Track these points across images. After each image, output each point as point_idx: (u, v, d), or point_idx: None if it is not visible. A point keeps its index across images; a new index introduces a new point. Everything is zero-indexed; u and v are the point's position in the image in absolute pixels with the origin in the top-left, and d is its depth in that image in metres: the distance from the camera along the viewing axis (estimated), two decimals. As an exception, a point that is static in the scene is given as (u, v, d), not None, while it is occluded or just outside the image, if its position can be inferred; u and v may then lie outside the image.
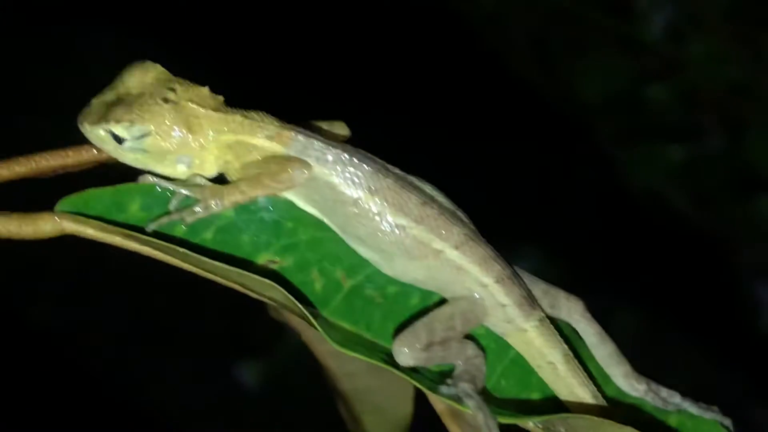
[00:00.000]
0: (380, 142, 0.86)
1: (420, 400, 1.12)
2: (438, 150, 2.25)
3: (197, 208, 0.77)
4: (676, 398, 0.88)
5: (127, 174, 0.80)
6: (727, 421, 0.89)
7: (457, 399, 0.79)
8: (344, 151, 0.80)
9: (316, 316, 0.78)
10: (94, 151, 0.80)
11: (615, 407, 0.86)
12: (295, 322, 1.03)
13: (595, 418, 0.78)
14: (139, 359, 2.24)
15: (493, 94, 2.50)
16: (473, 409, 0.78)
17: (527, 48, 2.63)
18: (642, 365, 0.90)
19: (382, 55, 2.42)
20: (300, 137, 0.79)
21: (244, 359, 2.31)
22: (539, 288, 0.86)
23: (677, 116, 2.62)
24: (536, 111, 2.56)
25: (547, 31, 2.66)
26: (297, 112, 0.83)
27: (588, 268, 2.36)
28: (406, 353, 0.78)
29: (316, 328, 0.75)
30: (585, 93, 2.62)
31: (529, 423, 0.81)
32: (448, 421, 0.86)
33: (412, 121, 2.33)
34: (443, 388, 0.79)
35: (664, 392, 0.88)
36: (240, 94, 0.82)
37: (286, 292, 0.74)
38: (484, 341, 0.85)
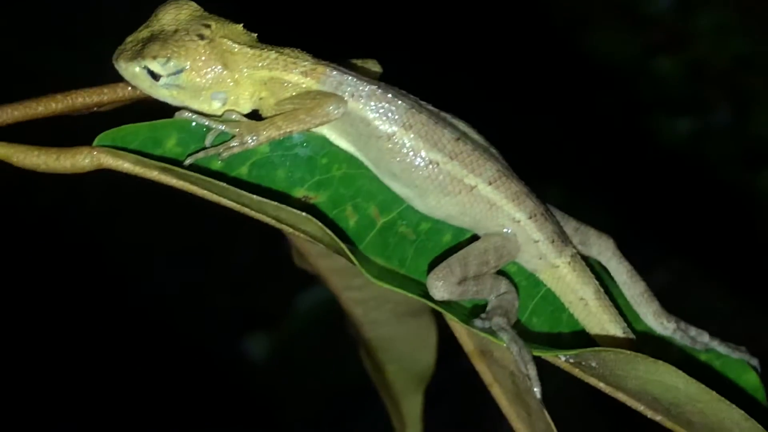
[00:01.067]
0: (412, 80, 0.87)
1: (443, 351, 1.14)
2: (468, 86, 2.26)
3: (233, 144, 0.78)
4: (704, 337, 0.90)
5: (162, 112, 0.80)
6: (755, 361, 0.90)
7: (491, 332, 0.80)
8: (378, 87, 0.81)
9: (352, 251, 0.79)
10: (130, 88, 0.81)
11: (645, 344, 0.87)
12: (322, 268, 1.04)
13: (627, 352, 0.79)
14: (148, 332, 2.25)
15: (498, 68, 2.51)
16: (507, 342, 0.79)
17: (532, 20, 2.63)
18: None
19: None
20: (334, 73, 0.80)
21: (251, 332, 2.32)
22: (570, 225, 0.88)
23: (683, 89, 2.62)
24: (541, 82, 2.57)
25: (552, 2, 2.66)
26: (329, 51, 0.84)
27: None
28: (440, 287, 0.80)
29: (352, 261, 0.76)
30: (590, 65, 2.63)
31: (561, 358, 0.82)
32: (476, 361, 0.87)
33: (439, 67, 2.34)
34: (477, 322, 0.80)
35: (693, 331, 0.90)
36: (273, 33, 0.83)
37: (322, 225, 0.75)
38: (516, 278, 0.86)
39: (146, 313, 2.28)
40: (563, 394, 1.08)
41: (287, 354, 2.35)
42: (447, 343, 1.01)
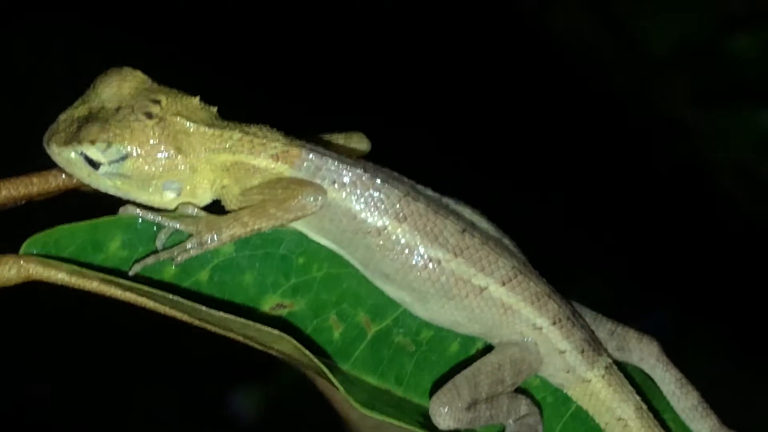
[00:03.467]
0: (405, 155, 0.88)
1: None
2: (472, 154, 2.26)
3: (189, 245, 0.79)
4: (771, 456, 0.90)
5: (105, 205, 0.81)
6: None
7: (509, 467, 0.81)
8: (365, 170, 0.81)
9: (335, 369, 0.80)
10: (64, 176, 0.82)
11: (699, 469, 0.88)
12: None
13: (676, 486, 0.80)
14: (128, 388, 2.28)
15: (539, 53, 2.51)
16: (528, 479, 0.80)
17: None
18: (727, 404, 0.92)
19: (401, 40, 2.43)
20: (311, 156, 0.81)
21: (240, 387, 2.35)
22: (605, 328, 0.88)
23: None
24: (592, 69, 2.56)
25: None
26: (305, 124, 0.85)
27: (660, 272, 2.37)
28: (445, 414, 0.81)
29: (336, 386, 0.77)
30: (653, 46, 2.62)
31: (596, 492, 0.83)
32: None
33: (439, 119, 2.33)
34: (492, 455, 0.82)
35: (758, 450, 0.90)
36: (237, 104, 0.84)
37: (298, 344, 0.76)
38: (539, 394, 0.87)
39: (124, 367, 2.31)
40: None
41: (280, 411, 2.37)
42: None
